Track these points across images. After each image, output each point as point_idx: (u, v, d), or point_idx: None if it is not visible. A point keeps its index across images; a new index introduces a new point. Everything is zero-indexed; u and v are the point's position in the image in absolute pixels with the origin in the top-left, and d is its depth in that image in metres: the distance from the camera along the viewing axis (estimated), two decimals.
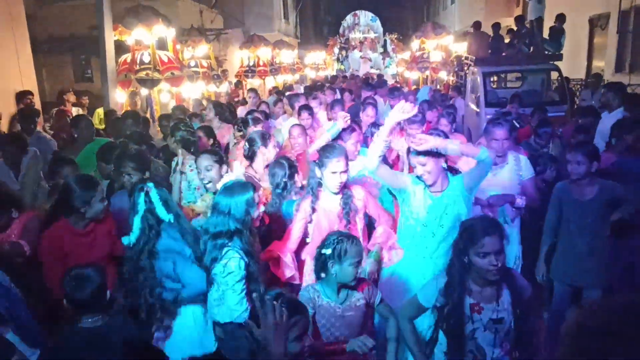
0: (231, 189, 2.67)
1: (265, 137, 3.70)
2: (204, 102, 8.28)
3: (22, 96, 6.97)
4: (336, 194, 3.02)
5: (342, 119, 3.82)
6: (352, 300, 2.44)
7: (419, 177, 2.87)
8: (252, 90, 9.09)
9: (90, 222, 2.96)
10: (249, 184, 2.74)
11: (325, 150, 3.05)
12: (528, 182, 3.69)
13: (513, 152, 3.77)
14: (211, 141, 4.69)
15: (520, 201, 3.50)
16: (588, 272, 3.44)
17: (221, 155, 3.58)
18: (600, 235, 3.43)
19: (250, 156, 3.67)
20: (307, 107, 5.58)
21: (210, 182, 3.31)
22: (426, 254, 2.87)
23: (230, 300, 2.53)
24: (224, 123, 5.98)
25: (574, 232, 3.47)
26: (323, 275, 2.42)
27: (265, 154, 3.64)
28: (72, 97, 8.91)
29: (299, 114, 5.53)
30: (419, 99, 8.79)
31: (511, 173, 3.64)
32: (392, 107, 5.47)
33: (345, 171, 2.98)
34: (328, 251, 2.37)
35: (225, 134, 5.67)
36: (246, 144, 3.71)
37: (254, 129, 4.44)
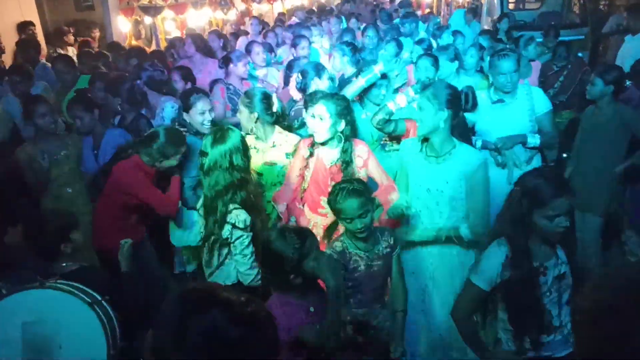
0: (222, 136, 2.51)
1: (319, 69, 3.58)
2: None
3: (24, 27, 6.77)
4: (325, 143, 2.77)
5: (379, 66, 3.42)
6: (378, 248, 2.34)
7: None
8: (255, 17, 8.68)
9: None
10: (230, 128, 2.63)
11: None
12: (544, 117, 3.33)
13: (525, 84, 3.44)
14: (189, 85, 4.31)
15: (533, 140, 3.23)
16: (590, 196, 3.44)
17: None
18: (610, 160, 3.43)
19: (303, 89, 3.59)
20: (304, 37, 5.32)
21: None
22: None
23: (242, 266, 2.53)
24: (208, 58, 5.59)
25: (587, 155, 3.49)
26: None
27: (320, 86, 3.47)
28: (71, 38, 8.15)
29: (294, 45, 5.28)
30: (452, 26, 7.96)
31: (522, 108, 3.32)
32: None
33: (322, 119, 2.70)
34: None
35: (211, 69, 5.27)
36: (299, 76, 3.63)
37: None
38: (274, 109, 3.11)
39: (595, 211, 3.53)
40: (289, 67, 4.43)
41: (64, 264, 2.23)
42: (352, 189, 2.20)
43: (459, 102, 2.53)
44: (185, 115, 3.32)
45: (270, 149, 3.13)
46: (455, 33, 6.12)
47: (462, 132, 2.76)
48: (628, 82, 4.01)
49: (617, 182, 3.52)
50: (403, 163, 2.73)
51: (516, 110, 3.32)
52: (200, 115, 3.22)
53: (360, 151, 2.79)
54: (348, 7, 13.30)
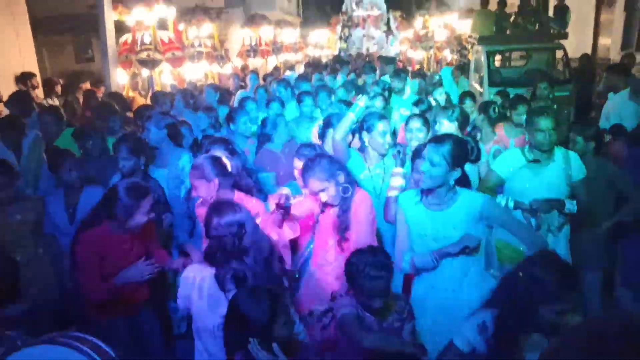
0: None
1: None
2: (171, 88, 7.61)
3: (24, 78, 6.91)
4: (328, 203, 2.80)
5: (362, 100, 3.44)
6: (390, 320, 2.32)
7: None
8: (254, 72, 8.94)
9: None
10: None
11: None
12: (579, 184, 3.20)
13: (561, 147, 3.29)
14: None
15: (571, 206, 3.07)
16: (587, 253, 3.44)
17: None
18: (599, 216, 3.45)
19: (322, 135, 3.68)
20: (309, 94, 5.21)
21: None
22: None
23: None
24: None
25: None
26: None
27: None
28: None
29: (300, 101, 5.17)
30: (443, 79, 8.47)
31: (559, 171, 3.16)
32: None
33: (323, 190, 2.72)
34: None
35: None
36: (322, 123, 3.74)
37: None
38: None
39: (594, 267, 3.50)
40: (327, 124, 4.00)
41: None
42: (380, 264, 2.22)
43: (468, 157, 2.55)
44: None
45: None
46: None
47: (462, 180, 2.67)
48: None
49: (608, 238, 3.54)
50: (403, 217, 2.61)
51: (553, 172, 3.17)
52: None
53: (361, 201, 2.78)
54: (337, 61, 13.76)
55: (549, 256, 1.89)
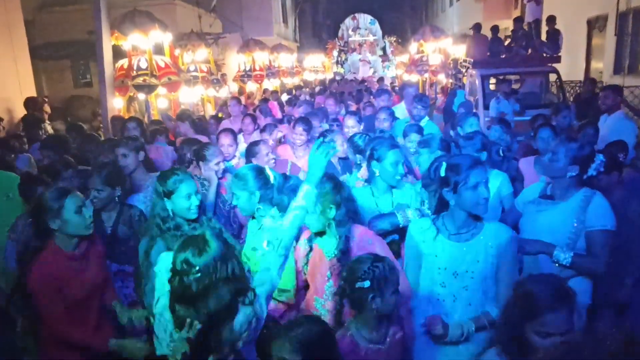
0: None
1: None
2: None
3: (34, 103, 6.95)
4: (330, 236, 2.44)
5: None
6: (390, 333, 2.12)
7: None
8: (234, 98, 8.48)
9: (80, 242, 2.58)
10: None
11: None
12: (596, 235, 2.55)
13: (588, 189, 2.66)
14: None
15: (562, 255, 2.54)
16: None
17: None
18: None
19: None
20: (304, 121, 4.85)
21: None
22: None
23: None
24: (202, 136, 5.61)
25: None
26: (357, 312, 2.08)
27: None
28: (47, 108, 8.04)
29: (294, 127, 4.83)
30: (457, 103, 8.29)
31: (566, 215, 2.62)
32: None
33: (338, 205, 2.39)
34: (366, 284, 2.00)
35: None
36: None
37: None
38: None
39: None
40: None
41: None
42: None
43: None
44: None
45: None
46: None
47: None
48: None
49: None
50: (415, 249, 2.37)
51: (559, 214, 2.65)
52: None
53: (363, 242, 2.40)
54: (336, 85, 13.92)
55: (550, 276, 1.77)
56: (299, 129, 4.56)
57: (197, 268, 1.66)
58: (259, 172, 2.74)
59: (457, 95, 9.43)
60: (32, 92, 8.32)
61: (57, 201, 2.45)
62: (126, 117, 7.53)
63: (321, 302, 2.46)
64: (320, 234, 2.47)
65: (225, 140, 4.20)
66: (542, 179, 2.97)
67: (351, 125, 4.66)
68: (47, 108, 7.57)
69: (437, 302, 2.29)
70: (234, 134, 4.40)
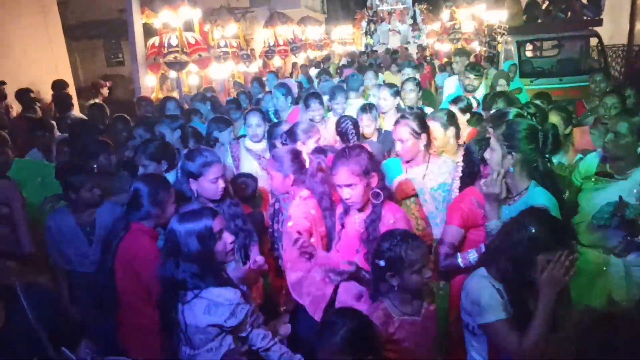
0: None
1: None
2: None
3: (58, 86, 7.08)
4: (360, 210, 2.44)
5: None
6: (425, 305, 2.13)
7: None
8: (272, 72, 8.65)
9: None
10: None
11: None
12: None
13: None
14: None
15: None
16: None
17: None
18: None
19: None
20: (316, 95, 4.68)
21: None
22: None
23: None
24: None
25: None
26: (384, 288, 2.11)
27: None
28: (105, 91, 7.72)
29: (307, 105, 4.62)
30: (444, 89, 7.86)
31: (625, 194, 2.57)
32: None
33: (350, 185, 2.33)
34: (381, 262, 2.03)
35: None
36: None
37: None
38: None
39: None
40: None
41: None
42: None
43: (535, 143, 2.27)
44: None
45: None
46: None
47: (549, 180, 2.34)
48: None
49: None
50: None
51: (620, 192, 2.58)
52: None
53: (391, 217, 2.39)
54: (365, 57, 13.70)
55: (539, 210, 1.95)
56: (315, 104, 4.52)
57: None
58: (296, 154, 2.78)
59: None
60: (68, 73, 8.49)
61: (163, 192, 2.49)
62: (158, 95, 7.64)
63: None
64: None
65: (253, 120, 3.93)
66: (598, 150, 2.90)
67: (384, 98, 4.53)
68: (104, 91, 7.31)
69: None
70: (261, 113, 4.09)
